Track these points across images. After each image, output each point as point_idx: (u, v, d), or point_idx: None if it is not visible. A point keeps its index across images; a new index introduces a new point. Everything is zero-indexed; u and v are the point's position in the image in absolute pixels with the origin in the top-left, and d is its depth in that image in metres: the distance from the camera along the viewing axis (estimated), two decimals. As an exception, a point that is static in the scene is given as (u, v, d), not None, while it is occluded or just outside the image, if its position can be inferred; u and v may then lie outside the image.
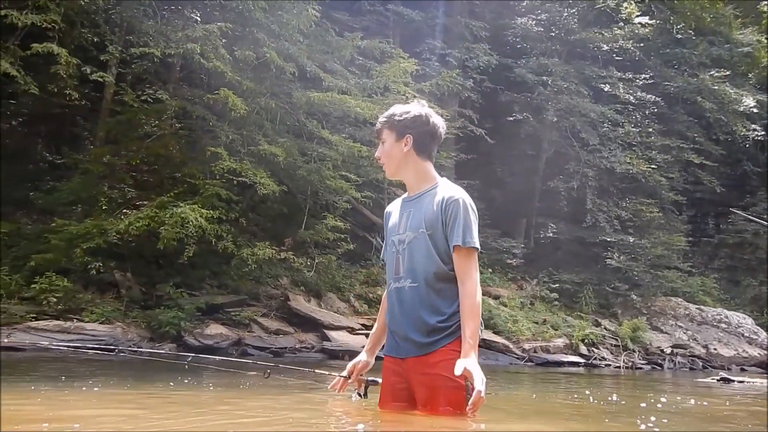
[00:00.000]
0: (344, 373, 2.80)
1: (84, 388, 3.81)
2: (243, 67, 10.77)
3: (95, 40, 10.05)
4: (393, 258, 2.64)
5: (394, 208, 2.75)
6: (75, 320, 8.24)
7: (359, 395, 2.81)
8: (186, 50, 9.79)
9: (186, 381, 4.51)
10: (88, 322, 8.28)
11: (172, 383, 4.29)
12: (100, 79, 9.90)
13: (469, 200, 2.58)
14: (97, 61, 9.99)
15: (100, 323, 8.36)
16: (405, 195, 2.74)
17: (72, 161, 10.70)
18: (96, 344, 7.83)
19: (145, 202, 9.66)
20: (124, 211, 9.60)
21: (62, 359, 6.48)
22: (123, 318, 8.74)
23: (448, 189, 2.60)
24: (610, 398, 4.72)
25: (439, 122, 2.70)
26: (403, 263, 2.60)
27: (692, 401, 5.05)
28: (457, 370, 2.33)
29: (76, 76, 9.53)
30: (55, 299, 8.40)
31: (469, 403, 2.30)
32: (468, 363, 2.35)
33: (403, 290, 2.58)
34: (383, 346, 2.73)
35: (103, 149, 10.67)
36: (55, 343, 6.63)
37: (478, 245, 2.51)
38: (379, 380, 2.73)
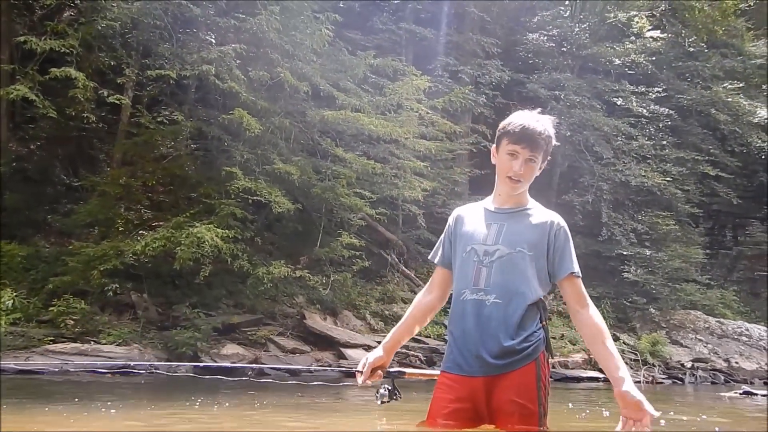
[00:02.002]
0: (359, 367, 2.59)
1: (103, 410, 3.80)
2: (257, 87, 10.88)
3: (112, 63, 10.21)
4: (473, 267, 2.47)
5: (470, 214, 2.59)
6: (92, 342, 8.27)
7: (387, 397, 2.58)
8: (201, 72, 9.91)
9: (199, 400, 4.49)
10: (105, 343, 8.31)
11: (187, 403, 4.28)
12: (116, 102, 10.03)
13: (567, 227, 2.54)
14: (114, 84, 10.15)
15: (117, 345, 8.38)
16: (488, 204, 2.59)
17: (89, 183, 10.81)
18: (112, 366, 7.87)
19: (161, 223, 9.73)
20: (141, 232, 9.67)
21: (81, 382, 6.49)
22: (140, 339, 8.76)
23: (548, 212, 2.54)
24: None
25: None
26: (488, 276, 2.44)
27: (716, 417, 4.96)
28: (630, 390, 2.23)
29: (93, 99, 9.69)
30: (72, 321, 8.44)
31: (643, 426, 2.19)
32: (636, 390, 2.24)
33: (484, 304, 2.42)
34: (445, 361, 2.52)
35: (119, 171, 10.77)
36: (98, 368, 6.64)
37: (580, 273, 2.48)
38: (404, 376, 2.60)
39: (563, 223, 2.50)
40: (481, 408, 2.38)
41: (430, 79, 13.12)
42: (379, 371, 2.58)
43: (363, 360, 2.58)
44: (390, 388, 2.57)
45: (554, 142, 2.51)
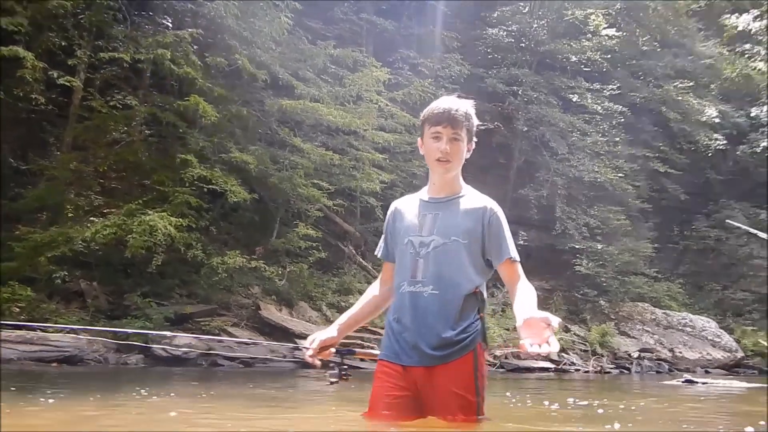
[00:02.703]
0: (306, 343, 2.52)
1: (42, 399, 3.71)
2: (214, 74, 10.71)
3: (63, 44, 9.88)
4: (410, 260, 2.46)
5: (407, 206, 2.59)
6: (39, 330, 8.03)
7: (337, 377, 2.52)
8: (156, 56, 9.70)
9: (145, 391, 4.43)
10: (52, 332, 8.08)
11: (136, 395, 4.21)
12: (67, 84, 9.73)
13: (501, 211, 2.52)
14: (65, 66, 9.82)
15: (64, 334, 8.17)
16: (423, 194, 2.59)
17: (38, 167, 10.46)
18: (59, 355, 7.69)
19: (112, 210, 9.51)
20: (91, 218, 9.42)
21: (24, 371, 6.33)
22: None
23: (481, 198, 2.52)
24: (576, 402, 4.78)
25: None
26: (425, 268, 2.44)
27: (665, 404, 5.15)
28: (527, 314, 2.18)
29: (42, 80, 9.37)
30: (18, 309, 8.19)
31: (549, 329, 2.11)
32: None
33: (421, 296, 2.42)
34: (384, 350, 2.51)
35: (70, 155, 10.46)
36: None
37: (518, 258, 2.49)
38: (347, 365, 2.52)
39: (497, 208, 2.49)
40: (419, 397, 2.40)
41: (390, 71, 13.15)
42: (331, 349, 2.53)
43: (311, 337, 2.53)
44: (342, 366, 2.52)
45: (475, 120, 2.50)
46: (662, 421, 3.73)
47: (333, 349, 2.53)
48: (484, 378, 2.43)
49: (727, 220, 16.63)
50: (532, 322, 2.16)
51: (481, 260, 2.46)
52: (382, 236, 2.67)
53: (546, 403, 4.55)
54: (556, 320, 2.11)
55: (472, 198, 2.51)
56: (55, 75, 9.46)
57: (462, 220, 2.46)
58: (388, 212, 2.66)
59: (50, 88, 10.06)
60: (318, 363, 2.51)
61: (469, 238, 2.42)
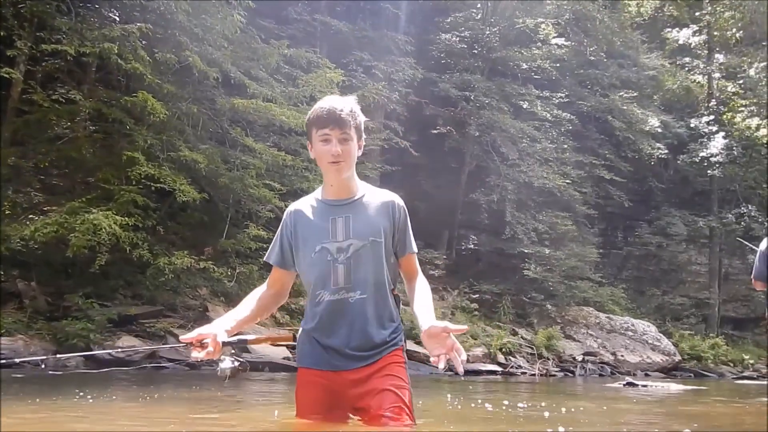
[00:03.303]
0: (187, 337, 2.31)
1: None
2: (164, 71, 10.46)
3: (1, 34, 9.46)
4: (328, 267, 2.39)
5: (309, 210, 2.48)
6: (-28, 334, 7.67)
7: (229, 371, 2.30)
8: (102, 50, 9.39)
9: (85, 394, 4.28)
10: (-14, 334, 7.73)
11: (75, 398, 4.06)
12: (6, 76, 9.32)
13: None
14: (4, 57, 9.42)
15: (-3, 336, 7.82)
16: (322, 197, 2.49)
17: (-28, 163, 10.00)
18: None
19: (54, 208, 9.15)
20: (30, 216, 9.06)
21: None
22: (26, 330, 8.22)
23: (384, 193, 2.53)
24: (523, 404, 4.85)
25: None
26: (347, 273, 2.38)
27: (604, 407, 5.27)
28: (427, 325, 2.25)
29: (-22, 71, 8.96)
30: (-51, 311, 7.80)
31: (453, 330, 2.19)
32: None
33: (347, 302, 2.38)
34: (305, 358, 2.44)
35: (8, 151, 10.01)
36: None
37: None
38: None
39: (402, 203, 2.52)
40: (351, 399, 2.38)
41: (344, 73, 13.11)
42: (218, 341, 2.28)
43: (191, 333, 2.32)
44: (234, 360, 2.32)
45: (361, 117, 2.46)
46: (604, 423, 3.81)
47: (220, 341, 2.29)
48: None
49: (737, 238, 17.07)
50: (432, 332, 2.20)
51: (393, 257, 2.50)
52: (276, 240, 2.54)
53: (488, 406, 4.60)
54: (457, 327, 2.19)
55: (377, 195, 2.50)
56: (-7, 66, 9.06)
57: (375, 219, 2.44)
58: (286, 215, 2.54)
59: (-13, 80, 9.64)
60: (200, 356, 2.26)
61: (384, 236, 2.44)
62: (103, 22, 10.39)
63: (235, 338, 2.38)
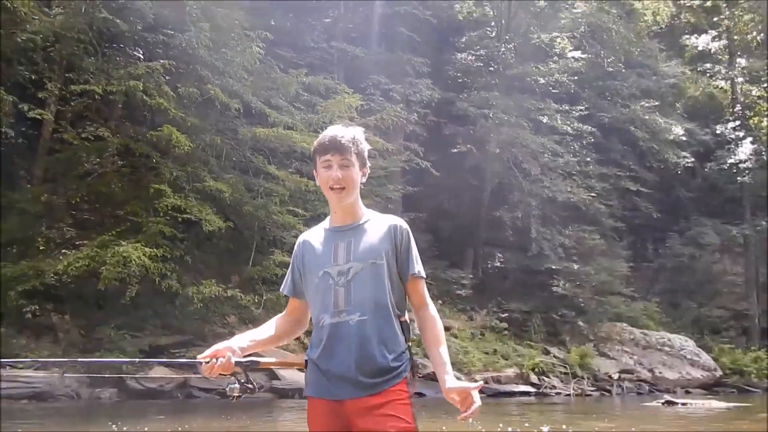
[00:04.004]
0: (204, 354, 2.29)
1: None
2: (187, 104, 10.73)
3: (33, 77, 9.84)
4: (330, 291, 2.40)
5: (315, 238, 2.52)
6: (8, 367, 7.84)
7: (237, 391, 2.26)
8: (128, 87, 9.70)
9: (117, 427, 4.35)
10: (22, 368, 7.90)
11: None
12: (38, 117, 9.68)
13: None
14: (35, 99, 9.77)
15: (35, 369, 7.99)
16: (329, 225, 2.52)
17: (8, 201, 10.30)
18: (30, 392, 7.51)
19: (85, 242, 9.39)
20: (63, 251, 9.29)
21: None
22: (61, 364, 8.38)
23: (389, 217, 2.52)
24: (562, 426, 4.79)
25: None
26: (347, 296, 2.37)
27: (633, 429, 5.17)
28: (453, 384, 2.23)
29: (12, 113, 9.29)
30: (-13, 346, 8.00)
31: (469, 411, 2.20)
32: (457, 382, 2.25)
33: (348, 325, 2.35)
34: (310, 387, 2.40)
35: (41, 188, 10.35)
36: None
37: (424, 275, 2.47)
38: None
39: (405, 225, 2.48)
40: (354, 426, 2.31)
41: (362, 97, 13.28)
42: (231, 360, 2.27)
43: (207, 350, 2.29)
44: (242, 381, 2.31)
45: (365, 145, 2.49)
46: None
47: (233, 360, 2.28)
48: (414, 406, 2.39)
49: None
50: (452, 395, 2.24)
51: (398, 281, 2.44)
52: (289, 271, 2.54)
53: (509, 429, 4.54)
54: (475, 386, 2.19)
55: (380, 219, 2.50)
56: (25, 108, 9.40)
57: (376, 241, 2.43)
58: (295, 246, 2.57)
59: (20, 121, 9.99)
60: (213, 373, 2.24)
61: (386, 258, 2.40)
62: (128, 60, 10.72)
63: (247, 359, 2.37)
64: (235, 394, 2.26)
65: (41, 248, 9.27)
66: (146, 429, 4.37)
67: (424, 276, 2.43)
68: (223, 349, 2.32)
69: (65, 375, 8.20)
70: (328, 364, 2.37)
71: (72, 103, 10.68)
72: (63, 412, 6.30)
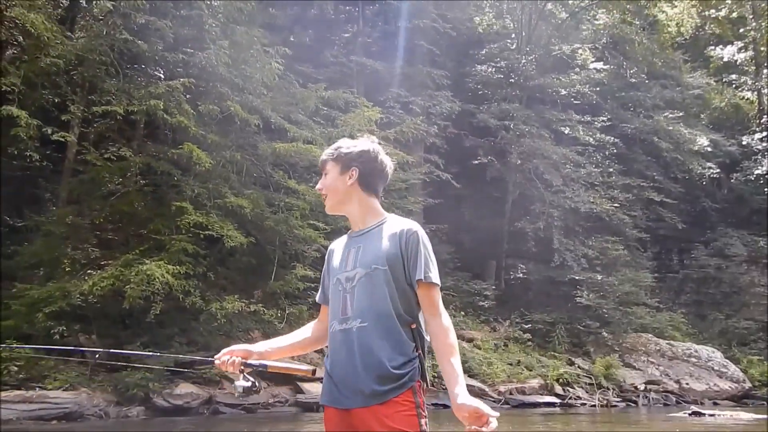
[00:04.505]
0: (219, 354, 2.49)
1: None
2: (207, 121, 10.82)
3: (56, 100, 9.99)
4: (339, 298, 2.42)
5: (337, 246, 2.56)
6: (37, 388, 7.91)
7: (243, 388, 2.43)
8: (149, 107, 9.80)
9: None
10: (51, 389, 7.96)
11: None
12: (61, 139, 9.80)
13: (424, 233, 2.40)
14: (59, 122, 9.91)
15: (63, 390, 8.05)
16: (350, 231, 2.55)
17: (33, 224, 10.46)
18: (59, 413, 7.56)
19: (109, 262, 9.47)
20: (89, 271, 9.39)
21: (22, 431, 6.21)
22: (88, 383, 8.45)
23: (401, 221, 2.44)
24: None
25: (386, 160, 2.56)
26: (351, 303, 2.37)
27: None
28: (465, 401, 2.16)
29: (36, 137, 9.43)
30: (15, 368, 8.07)
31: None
32: (470, 399, 2.16)
33: (351, 332, 2.34)
34: (324, 395, 2.43)
35: (65, 210, 10.48)
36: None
37: (438, 281, 2.34)
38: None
39: (415, 228, 2.39)
40: None
41: (381, 111, 13.30)
42: (241, 365, 2.45)
43: (228, 351, 2.48)
44: (252, 380, 2.44)
45: (348, 147, 2.52)
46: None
47: (241, 361, 2.46)
48: (426, 415, 2.31)
49: None
50: (462, 412, 2.17)
51: (407, 287, 2.36)
52: (321, 279, 2.62)
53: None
54: (490, 413, 2.12)
55: (393, 224, 2.44)
56: (49, 131, 9.52)
57: (382, 246, 2.39)
58: (327, 254, 2.62)
59: (44, 144, 10.13)
60: (225, 367, 2.46)
61: (389, 264, 2.34)
62: (149, 80, 10.85)
63: (258, 362, 2.47)
64: (239, 392, 2.42)
65: (67, 269, 9.36)
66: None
67: (436, 282, 2.32)
68: (238, 350, 2.47)
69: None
70: (335, 371, 2.38)
71: (95, 125, 10.84)
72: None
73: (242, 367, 2.44)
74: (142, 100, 9.89)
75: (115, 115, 9.85)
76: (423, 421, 2.25)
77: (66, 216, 10.17)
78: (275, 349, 2.54)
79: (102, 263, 9.54)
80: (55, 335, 8.51)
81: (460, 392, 2.19)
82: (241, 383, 2.42)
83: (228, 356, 2.46)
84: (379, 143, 2.68)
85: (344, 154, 2.51)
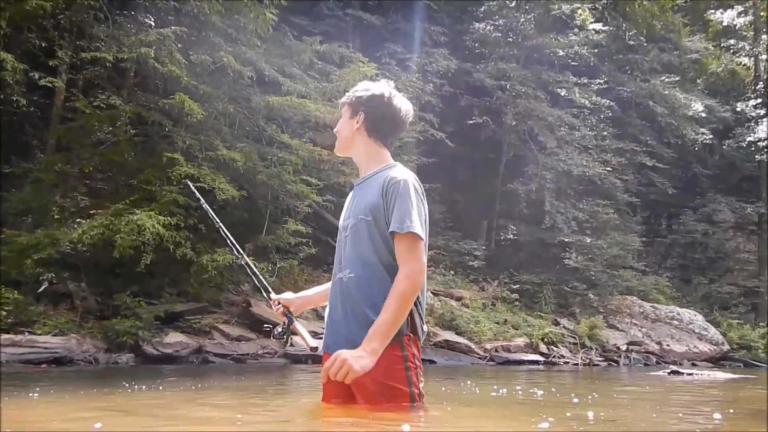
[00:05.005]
0: (273, 296, 2.74)
1: (31, 394, 3.66)
2: (199, 72, 10.63)
3: (43, 45, 9.75)
4: (338, 247, 2.47)
5: (350, 194, 2.60)
6: (26, 333, 7.95)
7: (278, 335, 2.66)
8: (140, 55, 9.59)
9: (134, 385, 4.39)
10: (40, 334, 8.00)
11: (126, 390, 4.17)
12: (49, 85, 9.60)
13: (412, 182, 2.34)
14: (46, 67, 9.70)
15: (53, 335, 8.09)
16: (357, 179, 2.56)
17: (22, 170, 10.34)
18: (49, 357, 7.62)
19: (99, 211, 9.39)
20: (78, 220, 9.31)
21: (10, 373, 6.26)
22: (78, 329, 8.47)
23: (393, 171, 2.39)
24: (542, 391, 4.79)
25: (402, 106, 2.50)
26: (344, 252, 2.42)
27: (634, 394, 5.17)
28: (344, 353, 2.19)
29: (23, 82, 9.23)
30: (5, 312, 8.09)
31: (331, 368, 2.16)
32: (349, 353, 2.16)
33: (342, 281, 2.38)
34: (323, 342, 2.50)
35: (54, 157, 10.35)
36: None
37: (418, 231, 2.24)
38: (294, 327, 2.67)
39: (400, 178, 2.33)
40: (352, 385, 2.29)
41: (377, 67, 13.11)
42: (283, 314, 2.69)
43: (282, 295, 2.74)
44: (286, 330, 2.67)
45: (359, 92, 2.54)
46: (632, 408, 3.72)
47: (281, 311, 2.71)
48: (418, 368, 2.31)
49: None
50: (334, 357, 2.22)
51: (388, 236, 2.32)
52: None
53: (503, 390, 4.55)
54: (330, 372, 2.17)
55: (386, 173, 2.39)
56: (37, 76, 9.33)
57: (369, 196, 2.39)
58: None
59: (31, 89, 9.94)
60: (277, 310, 2.71)
61: (373, 214, 2.33)
62: (140, 27, 10.61)
63: (290, 319, 2.70)
64: (274, 335, 2.71)
65: (56, 217, 9.29)
66: (160, 388, 4.41)
67: (413, 232, 2.24)
68: (284, 300, 2.72)
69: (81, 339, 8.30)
70: (329, 319, 2.46)
71: (83, 72, 10.60)
72: (81, 375, 6.38)
73: (284, 317, 2.69)
74: (132, 48, 9.67)
75: (105, 62, 9.64)
76: (412, 375, 2.25)
77: (54, 163, 10.06)
78: (309, 299, 2.75)
79: (91, 212, 9.45)
80: (44, 282, 8.51)
81: (368, 338, 2.18)
82: (281, 330, 2.68)
83: (279, 304, 2.71)
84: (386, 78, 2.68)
85: (355, 98, 2.52)
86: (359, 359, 2.15)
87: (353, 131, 2.50)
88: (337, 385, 2.32)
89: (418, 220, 2.26)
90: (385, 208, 2.31)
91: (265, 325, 2.88)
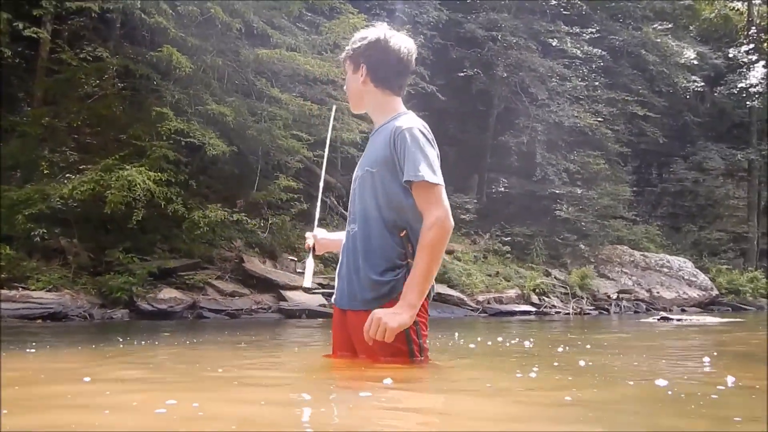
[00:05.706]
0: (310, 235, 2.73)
1: (27, 350, 3.72)
2: (187, 24, 10.39)
3: (27, -6, 9.51)
4: (350, 198, 2.43)
5: None
6: (20, 288, 7.99)
7: (303, 268, 2.65)
8: (126, 5, 9.39)
9: (129, 339, 4.46)
10: (34, 290, 8.05)
11: (119, 345, 4.24)
12: (34, 36, 9.39)
13: (419, 128, 2.27)
14: (31, 17, 9.46)
15: (47, 291, 8.14)
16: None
17: (8, 123, 10.20)
18: (43, 312, 7.69)
19: (89, 166, 9.32)
20: (67, 175, 9.25)
21: (6, 327, 6.32)
22: (71, 285, 8.53)
23: (399, 120, 2.30)
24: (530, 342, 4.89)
25: (401, 46, 2.40)
26: (352, 204, 2.39)
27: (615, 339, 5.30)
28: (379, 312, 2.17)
29: (7, 32, 9.03)
30: (-2, 268, 8.12)
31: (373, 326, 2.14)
32: (385, 313, 2.14)
33: (350, 235, 2.35)
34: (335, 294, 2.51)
35: (41, 110, 10.20)
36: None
37: (430, 178, 2.17)
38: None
39: (406, 126, 2.26)
40: (353, 341, 2.33)
41: (366, 18, 12.84)
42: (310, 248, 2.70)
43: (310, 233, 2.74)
44: (312, 265, 2.67)
45: (357, 45, 2.43)
46: (611, 353, 3.82)
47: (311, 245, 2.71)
48: (418, 325, 2.26)
49: None
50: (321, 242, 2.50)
51: (398, 190, 2.25)
52: None
53: (489, 342, 4.64)
54: (371, 331, 2.16)
55: (393, 123, 2.32)
56: (21, 26, 9.11)
57: (376, 148, 2.34)
58: None
59: (15, 40, 9.72)
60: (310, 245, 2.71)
61: (379, 166, 2.28)
62: (125, -24, 10.31)
63: (309, 255, 2.70)
64: (300, 270, 2.95)
65: (45, 172, 9.22)
66: (156, 342, 4.47)
67: (429, 180, 2.18)
68: (310, 236, 2.71)
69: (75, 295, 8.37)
70: (338, 273, 2.47)
71: (68, 22, 10.36)
72: (75, 331, 6.45)
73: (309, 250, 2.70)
74: (117, -2, 9.45)
75: (90, 12, 9.43)
76: (410, 332, 2.20)
77: (42, 117, 9.92)
78: (330, 241, 2.71)
79: (81, 167, 9.39)
80: (36, 237, 8.51)
81: (404, 295, 2.15)
82: (308, 264, 2.65)
83: (310, 238, 2.69)
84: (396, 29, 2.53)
85: (353, 50, 2.44)
86: (395, 316, 2.13)
87: (360, 85, 2.41)
88: (342, 337, 2.39)
89: (429, 166, 2.21)
90: (397, 160, 2.25)
91: (298, 267, 2.89)
